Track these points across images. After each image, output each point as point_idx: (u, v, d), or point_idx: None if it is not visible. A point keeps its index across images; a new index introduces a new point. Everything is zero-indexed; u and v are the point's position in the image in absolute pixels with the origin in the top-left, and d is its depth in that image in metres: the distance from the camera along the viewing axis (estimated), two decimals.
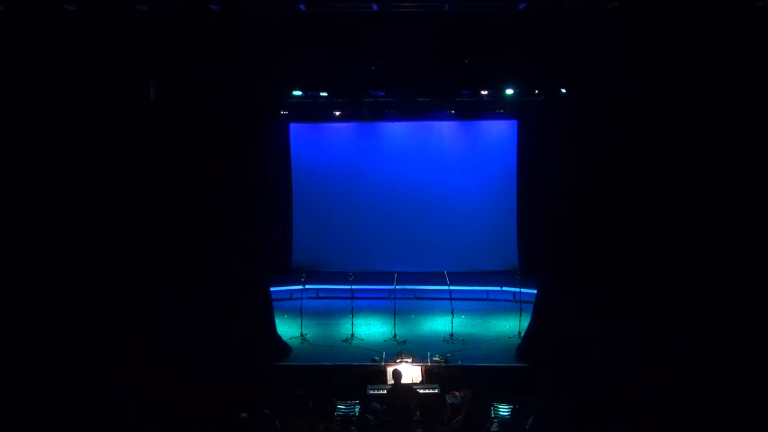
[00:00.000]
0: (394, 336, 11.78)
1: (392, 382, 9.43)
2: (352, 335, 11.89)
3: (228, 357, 10.24)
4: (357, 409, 9.29)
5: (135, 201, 10.45)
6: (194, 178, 10.66)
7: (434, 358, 10.61)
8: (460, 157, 16.00)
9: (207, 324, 10.43)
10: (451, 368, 10.45)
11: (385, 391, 9.41)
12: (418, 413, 8.67)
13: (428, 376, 10.12)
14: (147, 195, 10.49)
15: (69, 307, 10.25)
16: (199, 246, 10.58)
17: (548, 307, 10.97)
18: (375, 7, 9.82)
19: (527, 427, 8.07)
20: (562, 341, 10.41)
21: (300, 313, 12.23)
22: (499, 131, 15.93)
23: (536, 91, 13.61)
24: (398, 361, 10.33)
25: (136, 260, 10.48)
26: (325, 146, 16.08)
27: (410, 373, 9.98)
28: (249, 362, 10.38)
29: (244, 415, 7.92)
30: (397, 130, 15.96)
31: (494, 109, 14.83)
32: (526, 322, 12.19)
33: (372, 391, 9.60)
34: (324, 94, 13.85)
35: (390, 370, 9.81)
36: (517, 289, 13.01)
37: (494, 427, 8.27)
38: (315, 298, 14.46)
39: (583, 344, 10.17)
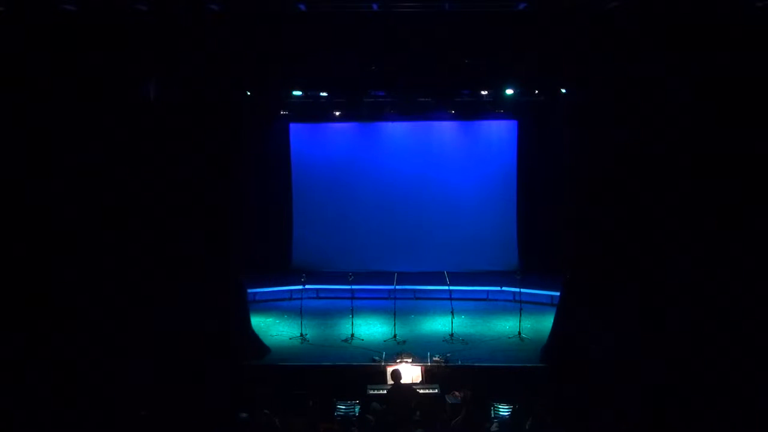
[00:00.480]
0: (394, 336, 11.78)
1: (392, 382, 9.42)
2: (352, 335, 11.89)
3: (201, 356, 10.22)
4: (357, 409, 9.29)
5: (132, 201, 10.44)
6: (189, 177, 10.65)
7: (434, 358, 10.60)
8: (460, 157, 16.02)
9: (178, 324, 10.45)
10: (451, 368, 10.44)
11: (385, 391, 9.41)
12: (418, 413, 8.66)
13: (428, 376, 10.11)
14: (144, 195, 10.48)
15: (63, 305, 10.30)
16: (177, 246, 10.57)
17: (570, 309, 11.01)
18: (375, 7, 9.82)
19: (527, 427, 8.06)
20: (584, 343, 10.40)
21: (300, 313, 12.23)
22: (499, 131, 15.95)
23: (536, 91, 13.61)
24: (398, 361, 10.32)
25: (135, 260, 10.50)
26: (326, 146, 16.10)
27: (410, 373, 9.97)
28: (223, 361, 10.34)
29: (244, 415, 7.92)
30: (397, 130, 15.99)
31: (494, 109, 14.85)
32: (526, 322, 12.24)
33: (372, 391, 9.60)
34: (324, 94, 13.86)
35: (390, 370, 9.80)
36: (517, 289, 13.00)
37: (494, 427, 8.27)
38: (315, 298, 14.45)
39: (601, 346, 10.19)
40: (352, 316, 12.15)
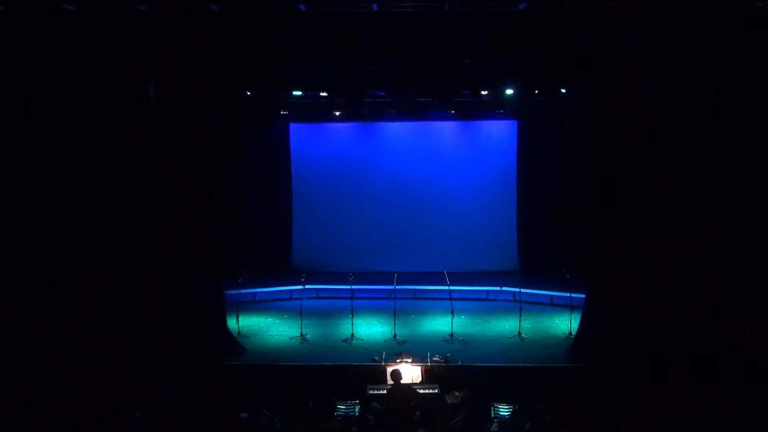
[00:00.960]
0: (394, 336, 11.78)
1: (392, 382, 9.42)
2: (352, 335, 11.89)
3: (175, 354, 10.25)
4: (357, 409, 9.28)
5: (128, 202, 10.44)
6: (181, 177, 10.65)
7: (434, 358, 10.60)
8: (460, 157, 16.03)
9: (156, 324, 10.46)
10: (451, 368, 10.44)
11: (385, 391, 9.41)
12: (418, 413, 8.66)
13: (428, 376, 10.11)
14: (141, 194, 10.48)
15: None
16: (163, 246, 10.58)
17: (588, 310, 11.02)
18: (375, 7, 9.82)
19: (527, 427, 8.06)
20: (603, 343, 10.42)
21: (300, 313, 12.23)
22: (499, 131, 15.97)
23: (536, 91, 13.61)
24: (398, 361, 10.31)
25: (125, 262, 10.51)
26: (326, 146, 16.11)
27: (410, 373, 9.97)
28: (196, 361, 10.37)
29: (244, 415, 7.91)
30: (397, 130, 16.00)
31: (494, 109, 14.88)
32: (526, 322, 12.25)
33: (372, 391, 9.58)
34: (324, 94, 13.86)
35: (390, 370, 9.80)
36: (517, 289, 13.01)
37: (494, 427, 8.27)
38: (315, 298, 14.46)
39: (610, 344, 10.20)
40: (352, 316, 12.15)
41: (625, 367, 9.85)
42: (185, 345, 10.39)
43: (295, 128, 15.96)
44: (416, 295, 14.43)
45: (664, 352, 9.96)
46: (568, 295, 12.49)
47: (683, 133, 10.01)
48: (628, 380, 9.56)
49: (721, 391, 9.03)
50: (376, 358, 10.79)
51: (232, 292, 12.93)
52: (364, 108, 14.47)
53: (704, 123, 9.89)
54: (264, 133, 15.69)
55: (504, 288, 14.26)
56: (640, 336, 10.20)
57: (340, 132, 16.04)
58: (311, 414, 8.42)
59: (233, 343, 11.39)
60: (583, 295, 11.44)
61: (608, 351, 10.24)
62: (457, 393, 9.49)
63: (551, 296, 13.78)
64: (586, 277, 11.43)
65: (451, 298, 12.36)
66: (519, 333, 11.93)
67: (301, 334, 11.98)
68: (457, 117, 15.44)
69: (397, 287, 12.71)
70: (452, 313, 11.99)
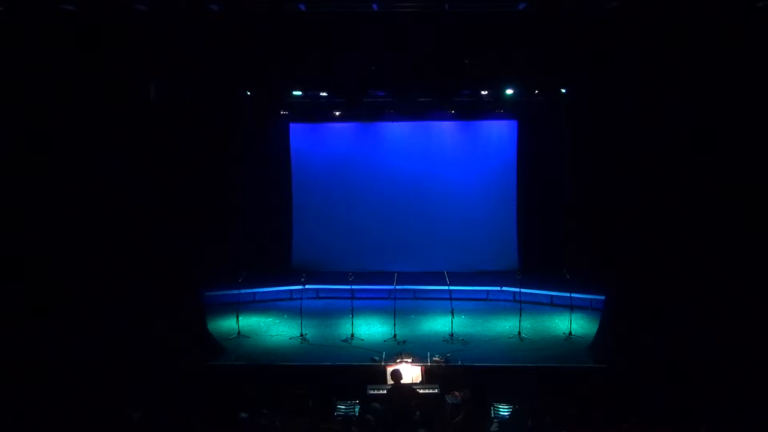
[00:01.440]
0: (394, 336, 11.78)
1: (392, 382, 9.42)
2: (352, 335, 11.89)
3: (174, 354, 10.25)
4: (357, 409, 9.29)
5: (128, 200, 10.45)
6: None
7: (434, 358, 10.60)
8: (460, 157, 16.04)
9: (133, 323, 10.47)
10: (451, 368, 10.44)
11: (385, 391, 9.41)
12: (418, 413, 8.66)
13: (428, 376, 10.12)
14: (141, 194, 10.48)
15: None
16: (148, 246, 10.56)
17: (620, 309, 10.98)
18: (375, 7, 9.83)
19: (527, 427, 8.05)
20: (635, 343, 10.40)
21: (300, 313, 12.23)
22: (499, 131, 15.97)
23: (536, 91, 13.61)
24: (398, 361, 10.32)
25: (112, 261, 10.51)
26: (326, 146, 16.12)
27: (410, 373, 9.98)
28: (194, 361, 10.37)
29: (244, 415, 7.92)
30: (397, 130, 16.00)
31: (494, 109, 14.87)
32: (525, 322, 12.24)
33: (372, 391, 9.59)
34: (324, 94, 13.86)
35: (390, 370, 9.80)
36: (517, 289, 13.01)
37: (494, 427, 8.28)
38: (315, 298, 14.46)
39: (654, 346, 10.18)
40: (352, 316, 12.14)
41: (633, 368, 9.86)
42: (183, 345, 10.39)
43: (295, 128, 15.97)
44: (416, 295, 14.43)
45: (673, 352, 9.97)
46: (568, 295, 12.50)
47: (683, 133, 10.01)
48: (634, 380, 9.57)
49: (724, 390, 9.05)
50: (376, 358, 10.79)
51: (232, 292, 12.93)
52: (364, 108, 14.46)
53: (704, 123, 9.89)
54: (264, 133, 15.70)
55: (504, 288, 14.26)
56: (646, 336, 10.19)
57: (340, 132, 16.04)
58: (311, 414, 8.42)
59: (213, 343, 11.38)
60: (583, 295, 11.39)
61: (618, 351, 10.24)
62: (457, 393, 9.48)
63: (551, 296, 13.78)
64: (590, 279, 11.41)
65: (451, 298, 12.36)
66: (519, 333, 11.93)
67: (301, 334, 11.98)
68: (457, 117, 15.45)
69: (397, 287, 12.70)
70: (452, 313, 11.98)
